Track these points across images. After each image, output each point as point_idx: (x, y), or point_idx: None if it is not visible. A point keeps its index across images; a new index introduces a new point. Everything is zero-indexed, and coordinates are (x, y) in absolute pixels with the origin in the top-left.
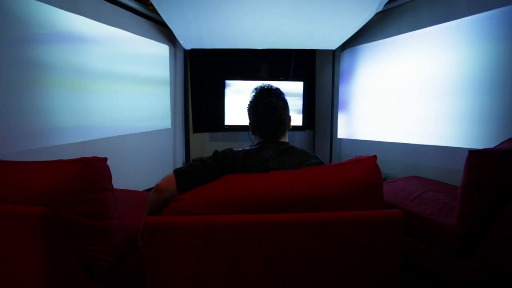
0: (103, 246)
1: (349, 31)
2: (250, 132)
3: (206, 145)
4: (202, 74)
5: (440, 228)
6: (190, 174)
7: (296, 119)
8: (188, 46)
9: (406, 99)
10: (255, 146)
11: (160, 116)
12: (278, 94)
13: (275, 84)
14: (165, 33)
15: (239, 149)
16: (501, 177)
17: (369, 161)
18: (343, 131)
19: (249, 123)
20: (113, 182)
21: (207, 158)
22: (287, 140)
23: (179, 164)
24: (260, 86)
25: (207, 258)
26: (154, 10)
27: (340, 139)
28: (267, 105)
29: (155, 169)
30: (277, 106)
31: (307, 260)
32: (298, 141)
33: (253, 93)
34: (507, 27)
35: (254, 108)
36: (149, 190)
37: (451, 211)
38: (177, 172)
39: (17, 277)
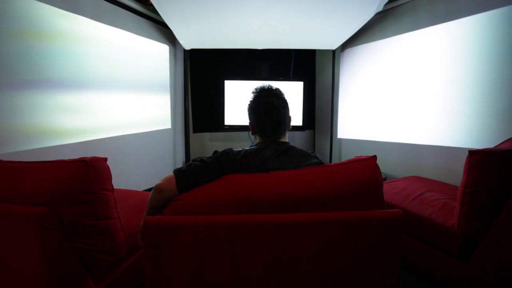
0: (103, 246)
1: (349, 31)
2: (250, 132)
3: (206, 145)
4: (202, 74)
5: (440, 228)
6: (190, 174)
7: (296, 119)
8: (188, 46)
9: (406, 99)
10: (255, 146)
11: (160, 116)
12: (278, 94)
13: (275, 84)
14: (165, 33)
15: (239, 149)
16: (501, 177)
17: (369, 161)
18: (343, 131)
19: (249, 123)
20: (113, 182)
21: (207, 158)
22: (287, 140)
23: (179, 164)
24: (260, 86)
25: (207, 258)
26: (154, 10)
27: (340, 139)
28: (267, 105)
29: (155, 169)
30: (278, 106)
31: (307, 260)
32: (298, 141)
33: (254, 93)
34: (507, 27)
35: (254, 108)
36: (149, 190)
37: (451, 211)
38: (177, 172)
39: (17, 277)
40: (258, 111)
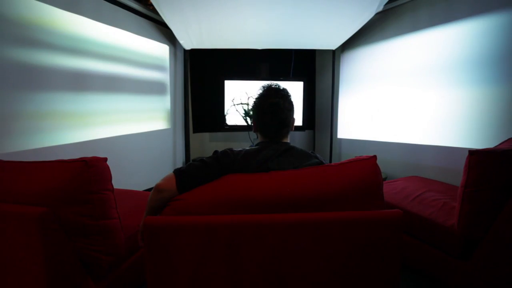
0: (103, 246)
1: (349, 31)
2: (252, 131)
3: (206, 145)
4: (202, 74)
5: (440, 228)
6: (190, 174)
7: (296, 119)
8: (188, 46)
9: (406, 99)
10: (256, 146)
11: (160, 116)
12: (285, 96)
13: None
14: (165, 33)
15: (239, 149)
16: (501, 177)
17: (369, 161)
18: (343, 131)
19: (252, 120)
20: (113, 182)
21: (207, 158)
22: (288, 141)
23: (179, 164)
24: (268, 85)
25: (207, 258)
26: (154, 10)
27: (340, 139)
28: (273, 106)
29: (155, 169)
30: (283, 107)
31: (307, 260)
32: (298, 141)
33: (261, 91)
34: (507, 28)
35: (260, 106)
36: (149, 190)
37: (451, 211)
38: (177, 172)
39: (17, 277)
40: (263, 111)
